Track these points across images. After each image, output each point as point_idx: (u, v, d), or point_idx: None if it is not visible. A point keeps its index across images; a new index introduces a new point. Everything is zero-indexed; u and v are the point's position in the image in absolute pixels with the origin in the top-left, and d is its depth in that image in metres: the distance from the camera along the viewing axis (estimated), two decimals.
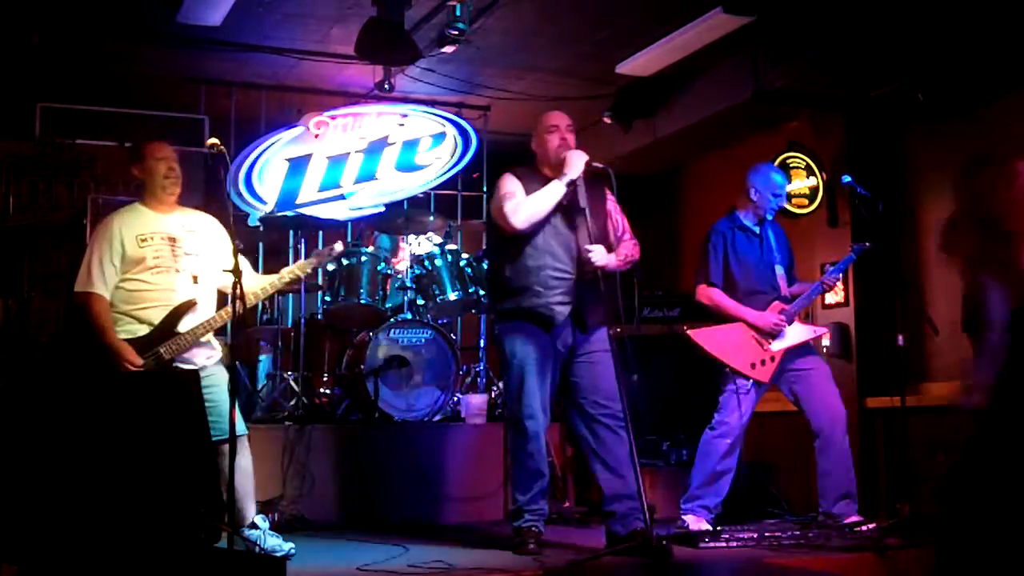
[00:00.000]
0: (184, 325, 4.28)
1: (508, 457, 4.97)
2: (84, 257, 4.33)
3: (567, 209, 4.63)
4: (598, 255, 4.50)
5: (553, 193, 4.59)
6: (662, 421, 6.53)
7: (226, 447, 4.26)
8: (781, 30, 6.18)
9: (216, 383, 4.29)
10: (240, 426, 4.38)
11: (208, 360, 4.37)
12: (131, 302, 4.28)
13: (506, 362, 4.74)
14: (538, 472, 4.68)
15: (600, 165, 4.65)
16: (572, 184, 4.59)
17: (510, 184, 4.72)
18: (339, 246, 4.73)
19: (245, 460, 4.43)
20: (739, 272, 5.18)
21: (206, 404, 4.15)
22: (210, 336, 4.39)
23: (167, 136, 4.66)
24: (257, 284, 4.50)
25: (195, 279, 4.38)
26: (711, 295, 5.18)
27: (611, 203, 4.85)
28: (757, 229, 5.28)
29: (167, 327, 4.25)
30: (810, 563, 4.42)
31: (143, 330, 4.25)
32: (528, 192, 4.66)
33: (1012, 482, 3.22)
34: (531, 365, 4.63)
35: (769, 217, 5.29)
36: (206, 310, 4.37)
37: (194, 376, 4.21)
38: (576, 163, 4.60)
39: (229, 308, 4.31)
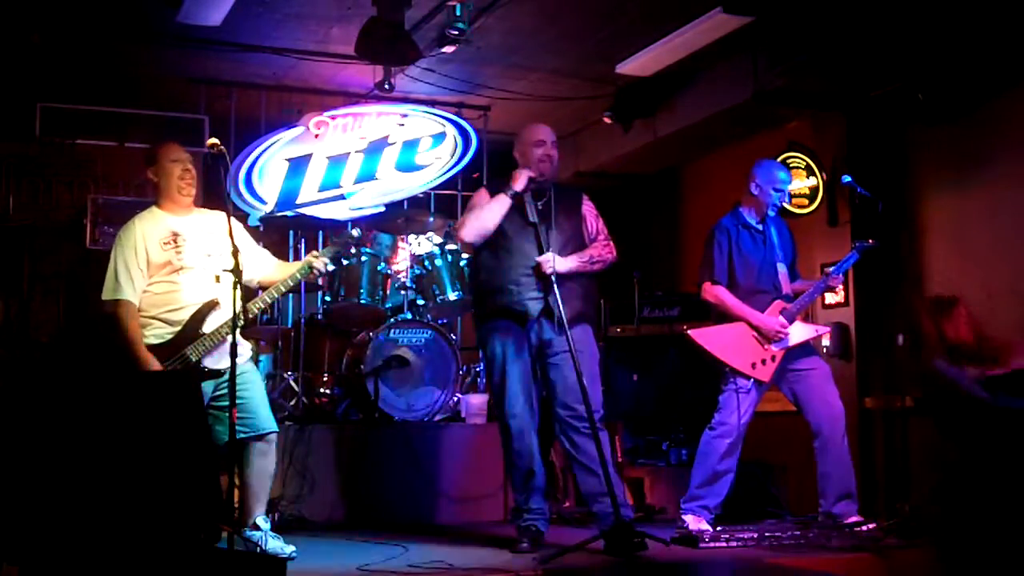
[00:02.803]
0: (208, 325, 4.30)
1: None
2: (109, 265, 4.35)
3: (534, 227, 4.72)
4: (547, 264, 4.62)
5: (498, 207, 4.75)
6: (662, 421, 6.53)
7: (258, 444, 4.30)
8: (781, 30, 6.18)
9: (245, 382, 4.30)
10: (272, 423, 4.40)
11: (238, 360, 4.36)
12: (160, 305, 4.30)
13: (488, 364, 4.88)
14: (528, 470, 4.74)
15: (540, 178, 4.78)
16: (519, 198, 4.71)
17: (477, 198, 4.89)
18: (356, 231, 4.77)
19: (271, 462, 4.45)
20: (742, 270, 5.17)
21: (237, 402, 4.15)
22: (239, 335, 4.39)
23: (167, 136, 4.67)
24: (280, 275, 4.51)
25: (217, 279, 4.38)
26: (716, 293, 5.17)
27: (587, 207, 4.98)
28: (761, 226, 5.26)
29: (192, 329, 4.27)
30: (810, 563, 4.42)
31: (170, 332, 4.27)
32: None
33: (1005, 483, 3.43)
34: (510, 364, 4.73)
35: (771, 213, 5.28)
36: (230, 309, 4.37)
37: (195, 376, 4.21)
38: (520, 179, 4.76)
39: (250, 306, 4.31)
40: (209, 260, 4.40)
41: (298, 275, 4.52)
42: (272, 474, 4.49)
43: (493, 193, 4.82)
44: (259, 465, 4.36)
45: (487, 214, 4.76)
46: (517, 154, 4.93)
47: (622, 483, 4.80)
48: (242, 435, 4.17)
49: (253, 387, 4.36)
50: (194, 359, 4.25)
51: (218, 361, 4.31)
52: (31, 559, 3.34)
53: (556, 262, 4.64)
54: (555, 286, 4.55)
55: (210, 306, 4.31)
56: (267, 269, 4.56)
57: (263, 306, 4.54)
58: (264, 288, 4.49)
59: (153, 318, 4.29)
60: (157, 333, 4.27)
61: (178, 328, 4.28)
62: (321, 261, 4.57)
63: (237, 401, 4.08)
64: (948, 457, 4.30)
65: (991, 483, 3.66)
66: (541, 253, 4.65)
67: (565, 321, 4.50)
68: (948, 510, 3.73)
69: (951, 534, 3.66)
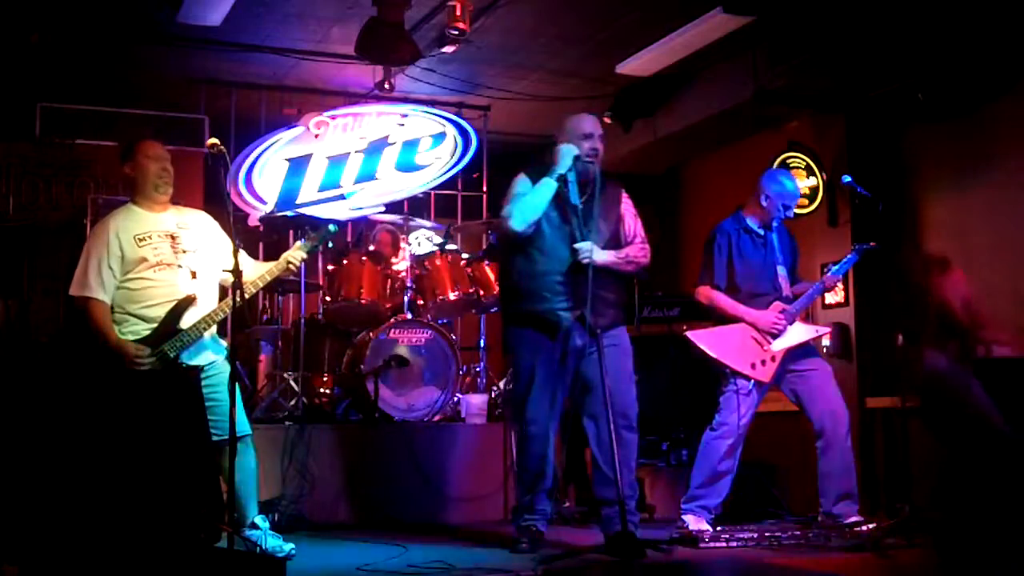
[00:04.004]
0: (186, 321, 4.28)
1: (510, 457, 4.97)
2: (80, 259, 4.32)
3: (575, 211, 4.58)
4: (586, 252, 4.49)
5: (544, 191, 4.56)
6: (662, 421, 6.53)
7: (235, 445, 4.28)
8: (781, 30, 6.18)
9: (220, 382, 4.29)
10: (244, 426, 4.39)
11: (212, 358, 4.36)
12: (136, 301, 4.27)
13: (515, 366, 4.80)
14: (540, 473, 4.68)
15: (589, 159, 4.62)
16: (564, 179, 4.56)
17: (519, 186, 4.70)
18: (332, 227, 4.74)
19: (250, 460, 4.44)
20: (742, 274, 5.16)
21: (209, 403, 4.14)
22: (214, 333, 4.39)
23: (167, 136, 4.66)
24: (256, 273, 4.50)
25: (194, 275, 4.37)
26: (711, 296, 5.17)
27: (626, 206, 4.84)
28: (762, 231, 5.26)
29: (169, 325, 4.25)
30: (810, 563, 4.42)
31: (147, 328, 4.25)
32: None
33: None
34: (538, 374, 4.62)
35: (775, 224, 5.28)
36: (207, 305, 4.36)
37: (194, 374, 4.21)
38: (564, 158, 4.58)
39: (223, 305, 4.32)
40: (186, 256, 4.38)
41: (276, 270, 4.51)
42: (255, 471, 4.48)
43: (533, 178, 4.66)
44: (239, 465, 4.33)
45: (533, 199, 4.56)
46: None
47: (637, 487, 4.78)
48: (217, 437, 4.15)
49: (224, 388, 4.30)
50: (172, 355, 4.23)
51: (195, 357, 4.31)
52: (31, 559, 3.34)
53: (594, 253, 4.51)
54: (590, 280, 4.40)
55: (187, 302, 4.29)
56: (244, 269, 4.53)
57: (239, 303, 4.53)
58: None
59: (129, 314, 4.26)
60: (134, 329, 4.24)
61: (155, 324, 4.26)
62: (298, 254, 4.56)
63: (211, 403, 4.08)
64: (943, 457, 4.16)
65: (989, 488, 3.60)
66: (579, 241, 4.51)
67: (594, 325, 4.39)
68: (946, 513, 3.70)
69: (949, 537, 3.63)
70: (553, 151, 4.64)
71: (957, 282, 4.19)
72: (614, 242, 4.71)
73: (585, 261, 4.47)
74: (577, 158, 4.59)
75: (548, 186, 4.56)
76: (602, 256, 4.57)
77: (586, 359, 4.60)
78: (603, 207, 4.68)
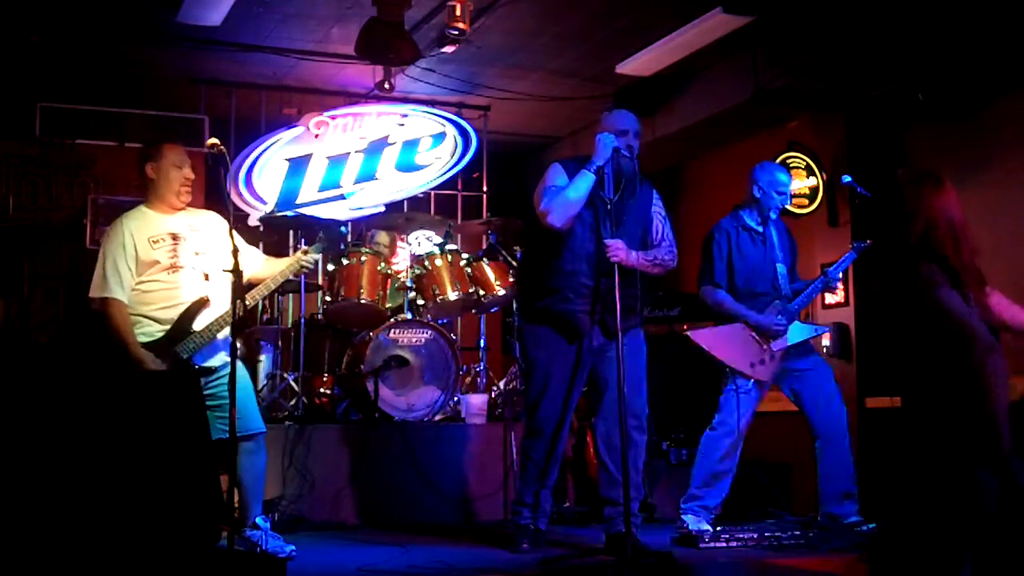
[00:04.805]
0: (199, 323, 4.29)
1: (517, 454, 4.92)
2: (98, 262, 4.32)
3: (607, 209, 4.50)
4: (615, 249, 4.41)
5: (582, 183, 4.46)
6: (662, 421, 6.53)
7: (246, 444, 4.30)
8: (781, 30, 6.19)
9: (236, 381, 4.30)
10: (258, 423, 4.40)
11: (226, 359, 4.35)
12: (148, 303, 4.29)
13: (529, 365, 4.73)
14: (546, 470, 4.65)
15: (628, 155, 4.57)
16: (601, 172, 4.48)
17: (555, 176, 4.59)
18: (343, 228, 4.73)
19: (261, 459, 4.45)
20: (741, 272, 5.16)
21: (223, 402, 4.14)
22: (227, 334, 4.39)
23: (167, 136, 4.66)
24: (269, 271, 4.51)
25: (206, 276, 4.38)
26: (715, 296, 5.16)
27: (657, 207, 4.77)
28: (761, 229, 5.26)
29: (182, 327, 4.26)
30: (810, 563, 4.42)
31: (160, 330, 4.26)
32: None
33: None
34: (553, 373, 4.59)
35: (773, 216, 5.28)
36: (220, 306, 4.37)
37: (207, 375, 4.22)
38: (604, 148, 4.50)
39: (239, 302, 4.32)
40: (198, 258, 4.39)
41: (288, 271, 4.52)
42: (264, 472, 4.49)
43: (569, 169, 4.57)
44: (249, 464, 4.35)
45: (572, 194, 4.44)
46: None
47: (644, 488, 4.78)
48: (239, 433, 4.15)
49: (241, 387, 4.32)
50: (184, 357, 4.24)
51: (208, 358, 4.31)
52: (28, 559, 3.34)
53: (623, 253, 4.42)
54: (616, 280, 4.31)
55: (200, 304, 4.30)
56: (256, 266, 4.55)
57: (252, 303, 4.54)
58: (253, 285, 4.48)
59: (143, 316, 4.28)
60: (147, 331, 4.26)
61: (168, 326, 4.27)
62: (310, 257, 4.57)
63: (224, 401, 4.09)
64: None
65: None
66: (611, 236, 4.41)
67: (615, 327, 4.31)
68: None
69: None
70: (595, 139, 4.56)
71: (949, 200, 3.89)
72: (643, 243, 4.64)
73: (613, 260, 4.40)
74: (616, 150, 4.51)
75: (587, 179, 4.47)
76: (631, 257, 4.49)
77: (603, 359, 4.58)
78: (636, 206, 4.64)
